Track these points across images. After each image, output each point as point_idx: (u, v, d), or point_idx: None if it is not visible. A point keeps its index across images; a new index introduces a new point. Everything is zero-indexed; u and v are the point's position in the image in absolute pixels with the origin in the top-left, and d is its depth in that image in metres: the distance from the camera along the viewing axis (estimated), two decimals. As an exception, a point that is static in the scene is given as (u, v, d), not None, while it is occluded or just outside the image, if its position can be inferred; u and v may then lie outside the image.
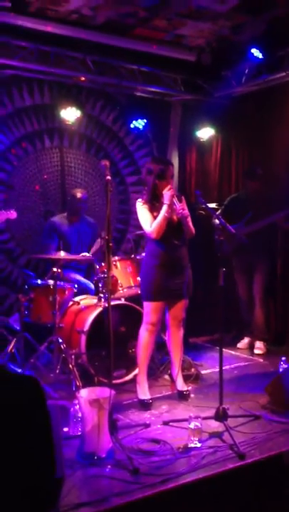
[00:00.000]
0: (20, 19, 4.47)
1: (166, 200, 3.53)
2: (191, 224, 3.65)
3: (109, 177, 2.98)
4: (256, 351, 5.03)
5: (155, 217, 3.56)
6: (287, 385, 3.43)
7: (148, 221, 3.59)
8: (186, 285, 3.70)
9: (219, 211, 5.08)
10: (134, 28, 4.86)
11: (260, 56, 4.86)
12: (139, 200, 3.68)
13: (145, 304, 3.68)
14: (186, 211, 3.54)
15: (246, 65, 5.18)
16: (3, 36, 4.54)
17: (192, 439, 2.90)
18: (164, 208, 3.53)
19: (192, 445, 2.89)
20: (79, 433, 3.00)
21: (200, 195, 3.54)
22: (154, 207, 3.61)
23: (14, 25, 4.50)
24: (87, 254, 4.80)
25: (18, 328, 4.52)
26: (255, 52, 4.87)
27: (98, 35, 4.87)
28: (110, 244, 2.98)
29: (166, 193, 3.54)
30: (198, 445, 2.88)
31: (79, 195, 4.91)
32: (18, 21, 4.48)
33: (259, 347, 5.05)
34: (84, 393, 2.91)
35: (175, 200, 3.53)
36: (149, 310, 3.64)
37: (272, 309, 5.37)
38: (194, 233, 3.67)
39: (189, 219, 3.62)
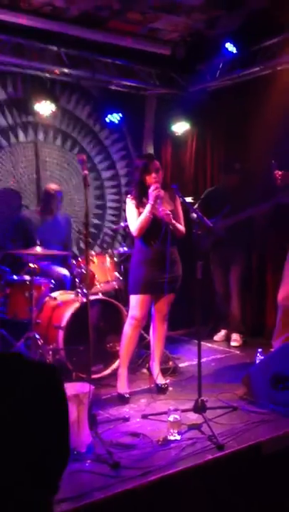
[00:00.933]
0: (-8, 11, 4.39)
1: (150, 199, 3.53)
2: (179, 226, 3.67)
3: (86, 171, 2.97)
4: (233, 343, 5.09)
5: (141, 214, 3.56)
6: (255, 380, 3.49)
7: (133, 218, 3.61)
8: (174, 280, 3.70)
9: (196, 205, 5.11)
10: (108, 21, 4.83)
11: (235, 51, 4.90)
12: (129, 195, 3.69)
13: (132, 297, 3.68)
14: (169, 216, 3.53)
15: (221, 59, 5.20)
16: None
17: (171, 431, 2.92)
18: (147, 207, 3.53)
19: (171, 437, 2.92)
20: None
21: (176, 189, 3.55)
22: (141, 203, 3.61)
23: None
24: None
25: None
26: (230, 47, 4.90)
27: (72, 28, 4.83)
28: (88, 239, 2.96)
29: (151, 193, 3.53)
30: (178, 437, 2.90)
31: (53, 190, 4.88)
32: (-10, 13, 4.39)
33: (235, 339, 5.12)
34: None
35: (159, 202, 3.53)
36: (135, 304, 3.64)
37: (248, 302, 5.44)
38: (184, 232, 3.70)
39: (181, 215, 3.66)
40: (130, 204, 3.65)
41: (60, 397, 1.43)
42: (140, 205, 3.61)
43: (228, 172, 5.16)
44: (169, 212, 3.55)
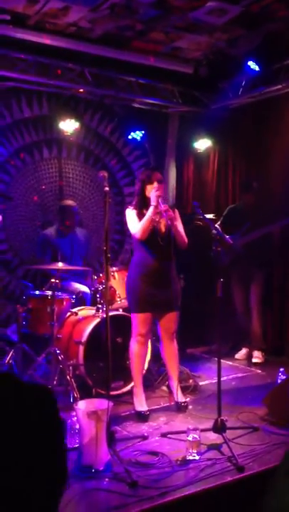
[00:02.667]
0: (19, 32, 4.52)
1: (152, 201, 3.54)
2: (182, 232, 3.65)
3: (107, 188, 3.00)
4: (254, 360, 5.02)
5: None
6: (276, 400, 3.42)
7: (134, 223, 3.60)
8: (173, 297, 3.68)
9: (218, 222, 5.11)
10: (131, 40, 4.91)
11: (257, 69, 4.91)
12: (129, 207, 3.71)
13: (132, 315, 3.67)
14: (171, 212, 3.52)
15: (243, 77, 5.23)
16: (2, 49, 4.59)
17: (190, 451, 2.88)
18: (151, 209, 3.52)
19: (190, 457, 2.88)
20: (76, 445, 2.98)
21: (197, 206, 3.56)
22: (141, 213, 3.61)
23: (13, 37, 4.54)
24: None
25: (15, 339, 4.51)
26: (252, 65, 4.92)
27: (96, 48, 4.92)
28: (108, 255, 2.98)
29: (152, 194, 3.54)
30: (197, 457, 2.86)
31: (70, 204, 4.94)
32: (17, 34, 4.52)
33: (257, 356, 5.05)
34: (82, 405, 2.90)
35: (161, 200, 3.52)
36: (137, 322, 3.63)
37: (269, 320, 5.37)
38: (187, 242, 3.67)
39: (180, 227, 3.63)
40: (130, 212, 3.64)
41: (53, 420, 1.37)
42: (141, 215, 3.60)
43: (245, 191, 5.18)
44: (170, 210, 3.53)
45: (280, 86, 4.99)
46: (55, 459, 1.32)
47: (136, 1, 4.08)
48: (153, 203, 3.53)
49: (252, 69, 4.94)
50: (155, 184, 3.57)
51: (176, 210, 3.70)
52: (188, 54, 5.27)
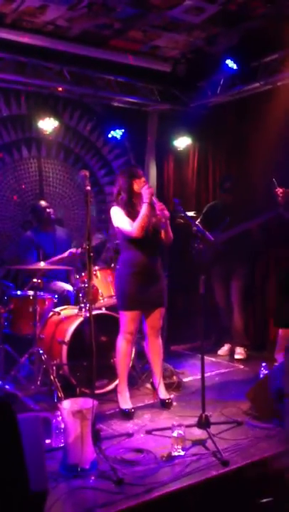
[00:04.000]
0: (-4, 31, 4.47)
1: (145, 198, 3.53)
2: (169, 228, 3.67)
3: (88, 187, 3.00)
4: (237, 356, 5.07)
5: (133, 221, 3.55)
6: (273, 388, 3.46)
7: (126, 221, 3.57)
8: (161, 294, 3.71)
9: (198, 220, 5.14)
10: (109, 39, 4.90)
11: (235, 67, 4.94)
12: (114, 205, 3.68)
13: (121, 313, 3.68)
14: (167, 212, 3.55)
15: (221, 75, 5.26)
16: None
17: (175, 447, 2.90)
18: (145, 206, 3.52)
19: (176, 453, 2.90)
20: (61, 444, 2.97)
21: (179, 203, 3.58)
22: (133, 210, 3.59)
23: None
24: (73, 250, 4.72)
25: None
26: (230, 63, 4.94)
27: (74, 46, 4.90)
28: (91, 254, 2.98)
29: (145, 191, 3.54)
30: (182, 453, 2.89)
31: (43, 204, 4.93)
32: (-6, 33, 4.47)
33: (240, 352, 5.10)
34: (66, 404, 2.89)
35: (155, 199, 3.54)
36: (125, 320, 3.64)
37: (250, 315, 5.43)
38: (172, 238, 3.69)
39: (168, 222, 3.64)
40: (117, 210, 3.60)
41: (10, 432, 1.32)
42: (130, 212, 3.58)
43: (221, 191, 5.26)
44: (165, 208, 3.54)
45: (258, 84, 5.04)
46: (15, 474, 1.27)
47: (113, -1, 4.08)
48: (146, 200, 3.52)
49: (230, 67, 4.96)
50: (143, 179, 3.58)
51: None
52: (167, 52, 5.29)
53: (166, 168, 6.23)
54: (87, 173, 3.08)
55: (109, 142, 5.87)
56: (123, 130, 5.67)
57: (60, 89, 5.20)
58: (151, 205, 3.53)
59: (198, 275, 3.27)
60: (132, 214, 3.58)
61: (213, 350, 5.32)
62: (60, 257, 4.60)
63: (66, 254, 4.59)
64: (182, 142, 5.97)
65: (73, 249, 4.57)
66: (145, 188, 3.55)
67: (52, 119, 5.15)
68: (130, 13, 4.34)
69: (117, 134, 5.68)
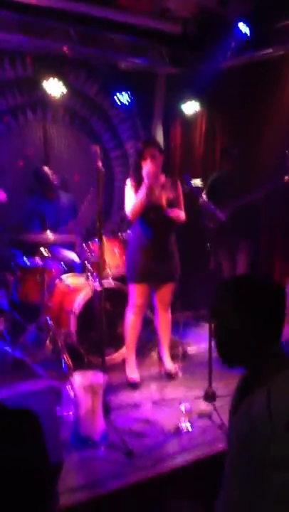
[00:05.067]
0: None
1: (145, 178, 3.51)
2: (179, 213, 3.64)
3: (100, 164, 2.96)
4: None
5: None
6: None
7: (129, 201, 3.59)
8: (171, 269, 3.73)
9: (204, 192, 5.09)
10: (118, -2, 4.71)
11: (247, 31, 4.78)
12: (129, 179, 3.68)
13: (130, 286, 3.72)
14: (152, 170, 3.47)
15: (233, 39, 5.07)
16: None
17: (182, 420, 3.01)
18: (142, 188, 3.51)
19: (182, 424, 3.01)
20: (71, 413, 3.08)
21: (189, 178, 3.54)
22: (139, 188, 3.58)
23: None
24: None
25: (4, 305, 4.54)
26: (242, 27, 4.78)
27: (82, 6, 4.70)
28: (102, 232, 2.99)
29: (144, 170, 3.51)
30: (189, 426, 3.00)
31: (46, 170, 4.87)
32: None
33: None
34: (77, 378, 2.97)
35: (149, 171, 3.47)
36: (134, 293, 3.69)
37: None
38: (184, 219, 3.68)
39: (181, 208, 3.64)
40: (128, 189, 3.62)
41: (37, 446, 1.34)
42: (138, 191, 3.59)
43: (225, 159, 5.15)
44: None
45: (270, 50, 4.88)
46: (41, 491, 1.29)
47: None
48: (145, 179, 3.50)
49: (242, 31, 4.81)
50: (148, 161, 3.52)
51: (178, 183, 3.69)
52: (177, 13, 5.08)
53: (173, 134, 6.12)
54: (98, 149, 3.03)
55: (115, 105, 5.74)
56: (129, 93, 5.54)
57: (66, 48, 5.02)
58: (152, 187, 3.51)
59: (208, 253, 3.27)
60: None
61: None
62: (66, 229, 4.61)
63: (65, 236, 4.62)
64: (190, 107, 5.83)
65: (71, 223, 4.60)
66: (145, 169, 3.50)
67: (57, 80, 5.02)
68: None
69: (124, 97, 5.55)
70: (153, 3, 4.81)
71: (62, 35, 4.88)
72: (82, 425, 2.86)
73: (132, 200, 3.58)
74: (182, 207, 3.72)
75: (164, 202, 3.59)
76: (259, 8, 4.65)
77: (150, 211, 3.56)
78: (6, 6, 4.40)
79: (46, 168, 4.93)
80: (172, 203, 3.62)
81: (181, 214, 3.67)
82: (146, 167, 3.49)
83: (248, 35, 4.79)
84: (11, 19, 4.53)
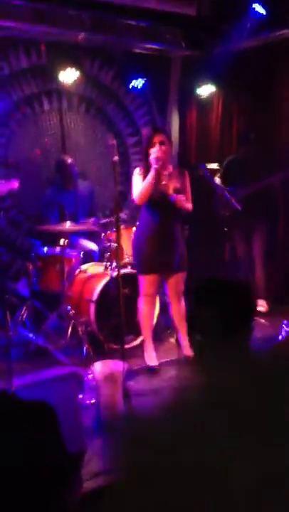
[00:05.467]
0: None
1: (152, 163, 3.54)
2: (185, 204, 3.66)
3: (116, 157, 2.99)
4: (259, 308, 5.13)
5: None
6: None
7: (136, 187, 3.64)
8: (179, 258, 3.76)
9: (218, 175, 5.09)
10: (132, -18, 4.67)
11: (263, 12, 4.70)
12: (137, 168, 3.71)
13: (139, 276, 3.77)
14: (159, 155, 3.50)
15: (248, 20, 5.00)
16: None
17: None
18: (151, 172, 3.53)
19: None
20: (93, 400, 3.17)
21: (204, 168, 3.55)
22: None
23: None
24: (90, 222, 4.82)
25: (26, 293, 4.64)
26: (258, 8, 4.71)
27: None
28: (120, 223, 3.03)
29: (151, 156, 3.54)
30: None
31: (68, 160, 4.90)
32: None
33: (261, 304, 5.17)
34: (98, 367, 3.06)
35: (157, 155, 3.49)
36: (144, 283, 3.75)
37: (272, 270, 5.46)
38: (191, 210, 3.71)
39: (189, 198, 3.66)
40: (137, 175, 3.68)
41: (54, 438, 1.36)
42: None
43: (242, 143, 5.13)
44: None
45: (287, 30, 4.80)
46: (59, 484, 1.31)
47: None
48: (154, 165, 3.52)
49: (258, 12, 4.73)
50: (156, 147, 3.54)
51: (186, 173, 3.71)
52: (191, -5, 5.02)
53: (188, 117, 6.09)
54: (115, 142, 3.07)
55: (130, 92, 5.73)
56: (145, 79, 5.52)
57: (81, 37, 5.02)
58: (160, 171, 3.53)
59: (223, 242, 3.30)
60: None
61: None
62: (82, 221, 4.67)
63: (86, 226, 4.67)
64: (206, 90, 5.79)
65: (90, 221, 4.65)
66: (153, 154, 3.52)
67: (73, 69, 5.04)
68: None
69: (139, 83, 5.53)
70: (166, -14, 4.75)
71: (76, 22, 4.87)
72: (103, 411, 2.95)
73: (138, 185, 3.62)
74: (189, 198, 3.76)
75: (170, 191, 3.62)
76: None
77: (157, 200, 3.58)
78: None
79: (68, 157, 4.96)
80: (179, 193, 3.65)
81: (187, 203, 3.70)
82: (154, 152, 3.52)
83: (264, 15, 4.72)
84: (24, 8, 4.53)
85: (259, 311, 5.11)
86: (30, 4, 4.56)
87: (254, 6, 4.68)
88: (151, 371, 3.74)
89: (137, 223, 3.87)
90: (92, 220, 4.76)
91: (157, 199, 3.59)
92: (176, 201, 3.61)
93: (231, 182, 4.95)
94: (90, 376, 3.24)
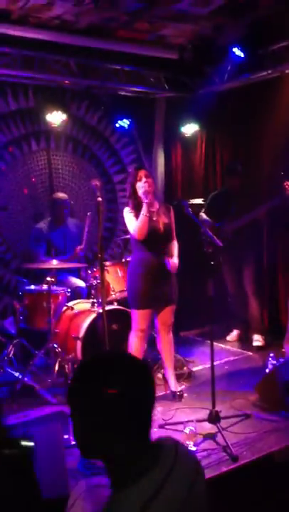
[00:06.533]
0: (2, 27, 4.46)
1: (143, 198, 3.64)
2: (174, 254, 3.85)
3: (100, 198, 3.07)
4: (255, 344, 5.13)
5: None
6: (281, 381, 3.58)
7: (132, 223, 3.71)
8: (171, 291, 3.83)
9: (203, 210, 5.21)
10: (116, 30, 4.87)
11: (242, 55, 4.91)
12: (126, 207, 3.79)
13: (133, 311, 3.81)
14: (148, 189, 3.63)
15: (229, 62, 5.21)
16: (-15, 44, 4.54)
17: (187, 443, 3.06)
18: (144, 207, 3.63)
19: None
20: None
21: (187, 205, 3.64)
22: (137, 216, 3.70)
23: (-3, 32, 4.49)
24: (80, 247, 4.88)
25: (13, 331, 4.64)
26: (237, 52, 4.92)
27: (81, 39, 4.87)
28: (104, 262, 3.08)
29: (140, 192, 3.64)
30: (194, 449, 3.04)
31: (61, 197, 4.99)
32: (1, 29, 4.46)
33: (258, 339, 5.16)
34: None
35: (149, 196, 3.61)
36: (137, 318, 3.78)
37: (263, 302, 5.50)
38: (176, 247, 3.87)
39: (173, 234, 3.85)
40: (128, 213, 3.76)
41: (28, 487, 1.35)
42: (138, 216, 3.70)
43: (230, 174, 5.26)
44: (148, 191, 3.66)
45: (265, 72, 5.00)
46: None
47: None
48: (144, 199, 3.62)
49: (237, 55, 4.94)
50: (143, 180, 3.66)
51: (171, 209, 3.81)
52: (173, 40, 5.23)
53: (174, 155, 6.25)
54: (99, 183, 3.15)
55: (117, 131, 5.89)
56: (130, 119, 5.69)
57: (67, 82, 5.19)
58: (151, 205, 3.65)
59: (208, 278, 3.36)
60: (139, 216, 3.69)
61: (222, 336, 5.44)
62: (71, 256, 4.73)
63: (75, 252, 4.72)
64: (190, 129, 5.97)
65: (78, 248, 4.71)
66: (141, 188, 3.63)
67: (60, 111, 5.18)
68: (137, 6, 4.31)
69: (125, 123, 5.69)
70: (150, 32, 4.96)
71: (63, 67, 5.05)
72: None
73: (133, 220, 3.70)
74: (174, 233, 3.89)
75: (161, 226, 3.71)
76: (253, 33, 4.78)
77: (149, 236, 3.66)
78: (7, 42, 4.58)
79: (61, 194, 5.05)
80: (168, 227, 3.76)
81: (174, 244, 3.87)
82: (142, 187, 3.64)
83: (243, 58, 4.93)
84: (12, 54, 4.70)
85: (257, 346, 5.12)
86: (19, 52, 4.74)
87: (233, 49, 4.89)
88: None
89: (130, 259, 3.94)
90: (79, 247, 4.81)
91: (149, 235, 3.66)
92: (172, 267, 3.75)
93: (217, 216, 5.07)
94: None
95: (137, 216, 3.69)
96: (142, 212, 3.63)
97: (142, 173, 3.72)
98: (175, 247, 3.89)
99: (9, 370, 4.35)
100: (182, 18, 4.60)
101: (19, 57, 4.75)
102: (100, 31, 4.83)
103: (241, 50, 4.91)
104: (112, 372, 1.33)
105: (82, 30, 4.78)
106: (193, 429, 3.09)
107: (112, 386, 1.29)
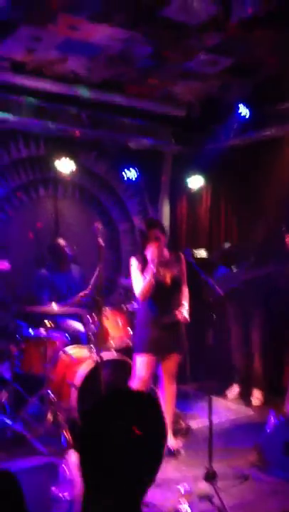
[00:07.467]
0: (18, 78, 4.65)
1: (149, 261, 3.62)
2: (184, 292, 3.80)
3: (101, 241, 3.07)
4: (254, 401, 5.00)
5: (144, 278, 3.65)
6: (281, 441, 3.44)
7: (136, 281, 3.69)
8: (178, 339, 3.76)
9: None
10: (127, 85, 5.06)
11: (247, 114, 5.07)
12: (133, 258, 3.78)
13: (136, 357, 3.72)
14: (184, 316, 3.67)
15: (234, 120, 5.37)
16: (1, 93, 4.71)
17: (182, 503, 2.90)
18: (149, 272, 3.61)
19: (181, 507, 2.89)
20: (66, 493, 2.98)
21: (189, 254, 3.64)
22: (145, 268, 3.68)
23: (12, 83, 4.67)
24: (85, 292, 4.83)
25: (7, 376, 4.53)
26: (243, 110, 5.09)
27: (93, 92, 5.06)
28: (103, 306, 3.05)
29: (149, 255, 3.63)
30: (188, 509, 2.88)
31: (62, 243, 5.02)
32: (16, 80, 4.65)
33: (257, 397, 5.03)
34: (73, 456, 2.92)
35: (153, 256, 3.58)
36: (140, 364, 3.69)
37: (267, 359, 5.36)
38: (187, 295, 3.82)
39: (184, 283, 3.79)
40: (134, 269, 3.72)
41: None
42: (143, 270, 3.68)
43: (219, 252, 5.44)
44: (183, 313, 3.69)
45: (269, 132, 5.14)
46: None
47: (132, 53, 4.22)
48: (151, 264, 3.61)
49: (243, 114, 5.10)
50: (152, 245, 3.62)
51: (181, 256, 3.80)
52: (182, 97, 5.43)
53: (179, 207, 6.33)
54: (100, 226, 3.16)
55: (124, 182, 5.99)
56: (137, 170, 5.81)
57: (78, 133, 5.34)
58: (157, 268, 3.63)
59: (208, 327, 3.31)
60: (146, 269, 3.68)
61: (222, 391, 5.28)
62: (72, 301, 4.68)
63: (78, 297, 4.67)
64: (195, 182, 6.08)
65: (82, 293, 4.66)
66: (150, 253, 3.62)
67: (69, 160, 5.30)
68: (148, 64, 4.50)
69: (132, 174, 5.81)
70: (160, 88, 5.15)
71: (74, 119, 5.22)
72: (77, 505, 2.77)
73: (139, 281, 3.67)
74: (185, 281, 3.82)
75: (168, 280, 3.68)
76: (258, 92, 4.96)
77: (155, 289, 3.64)
78: (21, 92, 4.75)
79: (61, 241, 5.08)
80: (177, 279, 3.72)
81: (183, 293, 3.80)
82: (151, 251, 3.60)
83: (248, 117, 5.08)
84: (26, 104, 4.87)
85: (255, 404, 4.96)
86: (35, 101, 4.91)
87: (239, 108, 5.05)
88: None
89: (135, 306, 3.90)
90: (83, 293, 4.75)
91: (156, 289, 3.64)
92: (181, 319, 3.70)
93: (234, 262, 5.06)
94: (65, 467, 3.08)
95: (142, 270, 3.67)
96: (146, 276, 3.61)
97: (152, 233, 3.67)
98: (184, 296, 3.82)
99: (0, 417, 4.22)
100: (191, 76, 4.79)
101: (32, 107, 4.91)
102: (111, 85, 5.02)
103: (247, 109, 5.07)
104: (138, 412, 1.29)
105: (94, 83, 4.97)
106: (188, 489, 2.95)
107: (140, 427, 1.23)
